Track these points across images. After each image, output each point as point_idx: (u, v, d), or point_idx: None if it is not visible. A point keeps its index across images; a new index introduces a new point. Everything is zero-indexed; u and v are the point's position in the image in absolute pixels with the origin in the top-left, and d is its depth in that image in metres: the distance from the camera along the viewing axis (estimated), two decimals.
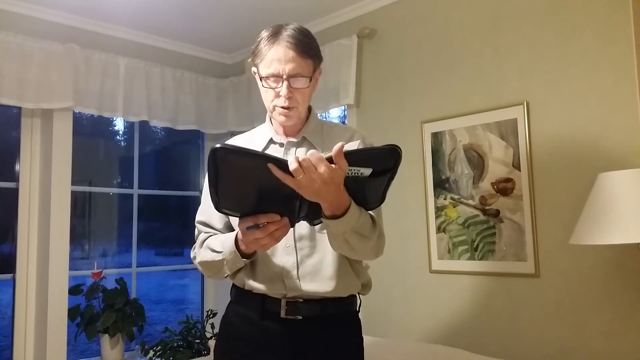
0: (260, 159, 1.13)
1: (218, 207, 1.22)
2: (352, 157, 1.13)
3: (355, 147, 1.18)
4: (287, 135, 1.49)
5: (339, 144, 1.11)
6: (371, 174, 1.17)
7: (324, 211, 1.23)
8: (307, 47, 1.39)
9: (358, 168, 1.16)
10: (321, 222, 1.29)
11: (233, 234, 1.37)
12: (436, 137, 2.64)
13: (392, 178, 1.21)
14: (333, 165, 1.12)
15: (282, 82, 1.37)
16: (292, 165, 1.11)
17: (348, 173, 1.15)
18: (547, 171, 2.26)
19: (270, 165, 1.11)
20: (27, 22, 2.90)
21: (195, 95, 3.53)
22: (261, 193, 1.19)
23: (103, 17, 3.11)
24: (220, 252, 1.40)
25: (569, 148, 2.20)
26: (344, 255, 1.42)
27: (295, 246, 1.43)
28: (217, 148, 1.10)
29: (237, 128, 3.55)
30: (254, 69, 1.45)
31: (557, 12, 2.26)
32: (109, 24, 3.19)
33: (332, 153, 1.12)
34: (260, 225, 1.23)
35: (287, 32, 1.38)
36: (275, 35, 1.39)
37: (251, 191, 1.18)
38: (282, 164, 1.12)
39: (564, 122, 2.22)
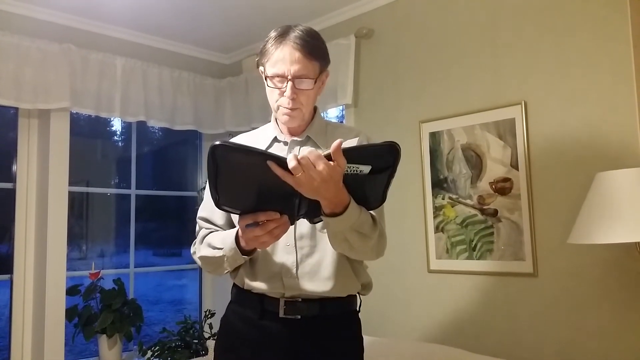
0: (259, 156, 1.13)
1: (218, 204, 1.22)
2: (351, 155, 1.13)
3: (354, 144, 1.18)
4: (291, 134, 1.50)
5: (337, 141, 1.11)
6: (370, 171, 1.17)
7: (323, 209, 1.23)
8: (313, 48, 1.39)
9: (357, 165, 1.16)
10: (321, 220, 1.29)
11: (234, 231, 1.38)
12: (434, 136, 2.64)
13: (392, 176, 1.20)
14: (331, 163, 1.12)
15: (287, 83, 1.38)
16: (291, 163, 1.11)
17: (347, 170, 1.15)
18: (545, 171, 2.26)
19: (270, 163, 1.11)
20: (24, 22, 2.89)
21: (193, 96, 3.52)
22: (261, 191, 1.19)
23: (100, 17, 3.10)
24: (221, 248, 1.41)
25: (566, 147, 2.20)
26: (344, 255, 1.42)
27: (296, 245, 1.43)
28: (216, 145, 1.10)
29: (234, 128, 3.55)
30: (260, 68, 1.46)
31: (555, 12, 2.26)
32: (106, 24, 3.19)
33: (330, 150, 1.12)
34: (260, 223, 1.23)
35: (295, 33, 1.39)
36: (282, 35, 1.39)
37: (251, 189, 1.18)
38: (281, 162, 1.12)
39: (561, 121, 2.22)
